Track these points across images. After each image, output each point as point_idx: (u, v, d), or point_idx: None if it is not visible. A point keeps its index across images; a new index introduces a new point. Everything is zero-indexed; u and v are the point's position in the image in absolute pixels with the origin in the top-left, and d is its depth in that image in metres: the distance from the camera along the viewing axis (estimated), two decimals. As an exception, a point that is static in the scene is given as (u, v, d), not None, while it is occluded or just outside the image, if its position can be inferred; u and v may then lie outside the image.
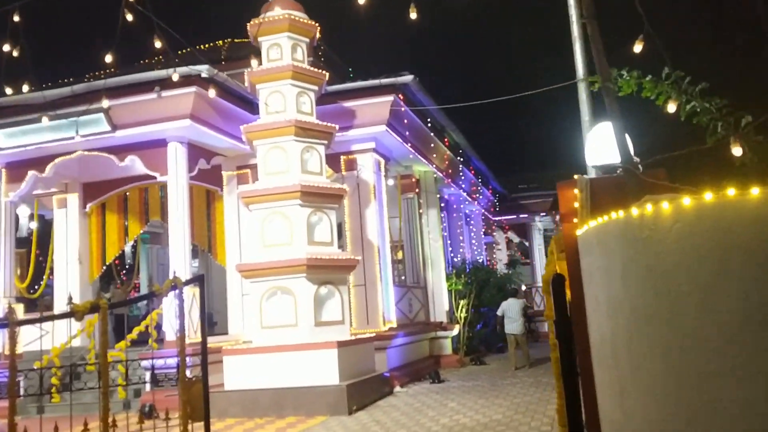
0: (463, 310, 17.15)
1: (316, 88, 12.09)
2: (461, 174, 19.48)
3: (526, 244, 29.32)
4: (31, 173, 13.37)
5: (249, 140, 11.68)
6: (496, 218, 26.28)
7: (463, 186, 20.30)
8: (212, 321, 21.09)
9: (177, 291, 5.84)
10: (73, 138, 12.48)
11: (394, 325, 13.80)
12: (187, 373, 6.17)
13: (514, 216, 26.88)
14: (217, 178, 14.55)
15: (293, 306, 10.79)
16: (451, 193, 20.03)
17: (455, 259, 18.97)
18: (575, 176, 2.50)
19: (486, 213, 24.97)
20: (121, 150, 12.87)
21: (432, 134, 15.93)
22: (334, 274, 11.24)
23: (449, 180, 18.50)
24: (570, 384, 2.64)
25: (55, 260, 15.22)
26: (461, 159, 18.87)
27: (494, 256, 26.41)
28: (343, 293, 11.35)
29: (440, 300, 16.96)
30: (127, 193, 15.26)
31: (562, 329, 2.45)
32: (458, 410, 10.08)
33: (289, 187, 11.00)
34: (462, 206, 21.27)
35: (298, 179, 11.15)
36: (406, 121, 14.13)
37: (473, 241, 22.67)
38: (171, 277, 6.11)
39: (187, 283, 6.32)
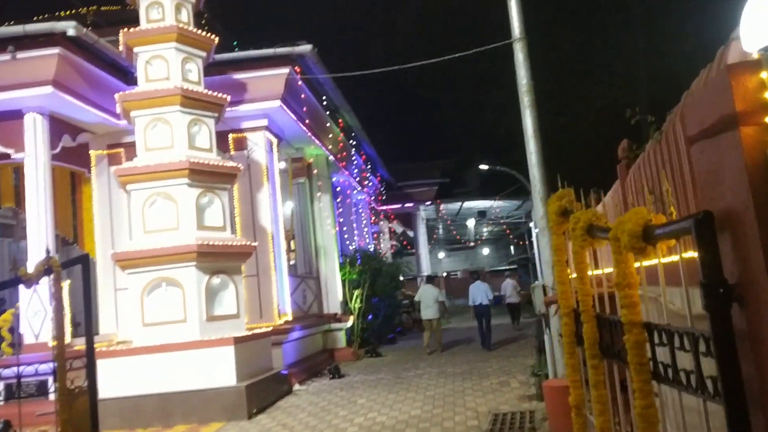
0: (358, 300, 16.33)
1: (204, 54, 10.76)
2: (353, 159, 18.62)
3: (410, 233, 28.99)
4: None
5: (126, 111, 10.18)
6: (382, 207, 25.69)
7: (354, 172, 19.46)
8: (74, 321, 19.14)
9: (52, 277, 4.52)
10: None
11: (290, 318, 12.73)
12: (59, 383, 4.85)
13: (399, 205, 26.41)
14: (84, 158, 12.77)
15: (181, 299, 9.47)
16: (343, 179, 19.13)
17: (349, 249, 18.08)
18: (757, 53, 1.69)
19: (372, 201, 24.30)
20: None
21: (327, 114, 14.93)
22: (228, 263, 10.02)
23: (342, 165, 17.58)
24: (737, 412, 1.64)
25: None
26: (353, 143, 18.00)
27: (380, 246, 25.82)
28: (238, 284, 10.15)
29: (334, 290, 16.02)
30: (-27, 176, 13.12)
31: (719, 322, 1.57)
32: (370, 407, 9.20)
33: (176, 164, 9.64)
34: (353, 193, 20.43)
35: (186, 155, 9.82)
36: (303, 96, 13.06)
37: (359, 230, 21.90)
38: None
39: (67, 265, 4.99)
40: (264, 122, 12.58)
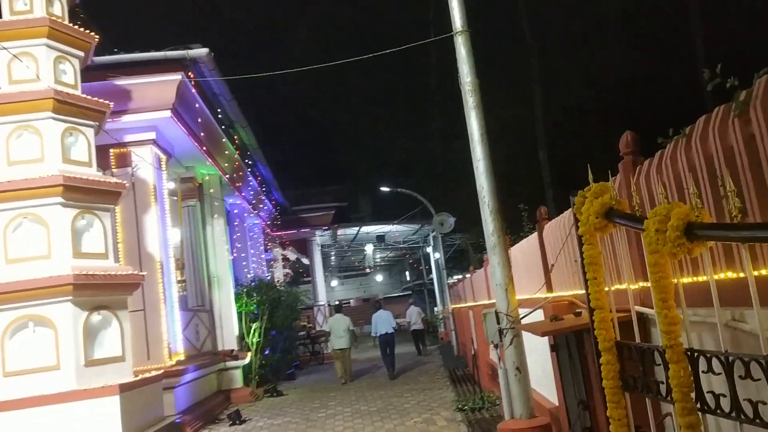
0: (256, 334, 14.94)
1: (81, 54, 9.27)
2: (248, 180, 17.26)
3: (305, 261, 27.72)
4: None
5: (-17, 116, 8.50)
6: (277, 233, 24.31)
7: (249, 195, 18.08)
8: None
9: None
10: None
11: (182, 357, 11.21)
12: None
13: (295, 231, 25.13)
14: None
15: (53, 341, 7.86)
16: (236, 203, 17.70)
17: (244, 278, 16.64)
18: None
19: (267, 227, 22.91)
20: None
21: (220, 129, 13.60)
22: (111, 296, 8.50)
23: (236, 186, 16.20)
24: None
25: None
26: (249, 162, 16.67)
27: (274, 273, 24.40)
28: (123, 320, 8.63)
29: (229, 324, 14.55)
30: None
31: None
32: (285, 460, 7.98)
33: (46, 180, 8.07)
34: (247, 218, 19.01)
35: (59, 169, 8.28)
36: (196, 106, 11.73)
37: (256, 258, 20.46)
38: None
39: None
40: (151, 135, 11.13)
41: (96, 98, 9.01)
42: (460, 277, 26.86)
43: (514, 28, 24.90)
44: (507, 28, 24.80)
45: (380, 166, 32.18)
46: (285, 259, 26.20)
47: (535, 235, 6.83)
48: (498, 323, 5.97)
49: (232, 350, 14.26)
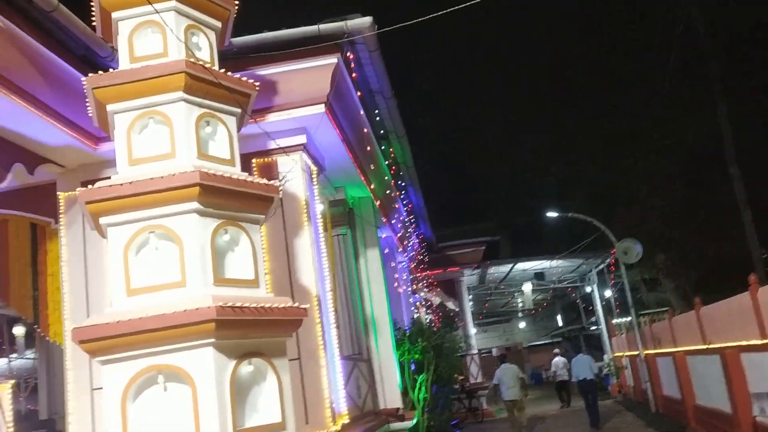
0: (422, 388, 12.27)
1: (218, 25, 7.20)
2: (398, 208, 14.87)
3: (450, 305, 24.93)
4: None
5: (100, 105, 6.51)
6: (422, 273, 21.75)
7: (397, 226, 15.68)
8: (54, 430, 15.26)
9: None
10: None
11: (347, 420, 8.70)
12: None
13: (441, 270, 22.48)
14: (50, 202, 9.03)
15: (191, 404, 5.51)
16: (381, 236, 15.33)
17: (400, 321, 14.10)
18: None
19: (412, 265, 20.41)
20: None
21: (375, 138, 11.29)
22: (264, 338, 6.12)
23: (384, 214, 13.84)
24: None
25: None
26: (402, 185, 14.28)
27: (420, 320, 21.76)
28: (282, 372, 6.19)
29: (391, 376, 11.96)
30: None
31: None
32: None
33: (177, 179, 5.88)
34: (393, 254, 16.58)
35: (193, 165, 6.09)
36: (353, 101, 9.46)
37: (404, 301, 17.91)
38: None
39: None
40: (301, 140, 8.92)
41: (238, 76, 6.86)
42: (627, 319, 23.13)
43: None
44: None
45: (523, 196, 29.18)
46: (432, 302, 23.57)
47: None
48: None
49: (398, 409, 11.63)
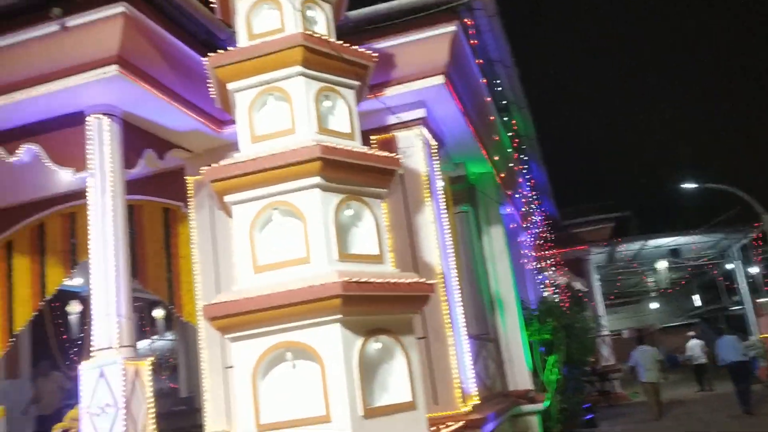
0: (553, 370, 11.76)
1: (333, -2, 7.06)
2: (520, 184, 14.32)
3: (576, 285, 23.94)
4: None
5: (221, 84, 6.55)
6: (547, 252, 20.98)
7: (519, 202, 15.12)
8: (193, 407, 15.90)
9: None
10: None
11: (477, 401, 8.40)
12: None
13: (567, 249, 21.60)
14: (179, 187, 9.31)
15: (320, 381, 5.42)
16: (504, 213, 14.80)
17: (526, 300, 13.60)
18: None
19: (535, 244, 19.70)
20: (8, 134, 7.74)
21: (495, 109, 10.84)
22: (391, 315, 5.94)
23: (505, 191, 13.33)
24: None
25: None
26: (524, 159, 13.73)
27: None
28: (410, 350, 5.99)
29: (519, 357, 11.51)
30: (44, 223, 10.01)
31: None
32: None
33: (298, 153, 5.78)
34: (515, 232, 16.01)
35: (314, 139, 5.97)
36: (472, 71, 9.09)
37: (530, 282, 17.31)
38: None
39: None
40: (420, 113, 8.66)
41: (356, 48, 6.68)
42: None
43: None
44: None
45: (653, 169, 27.54)
46: (555, 284, 22.74)
47: None
48: None
49: (528, 391, 11.19)
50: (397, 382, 5.85)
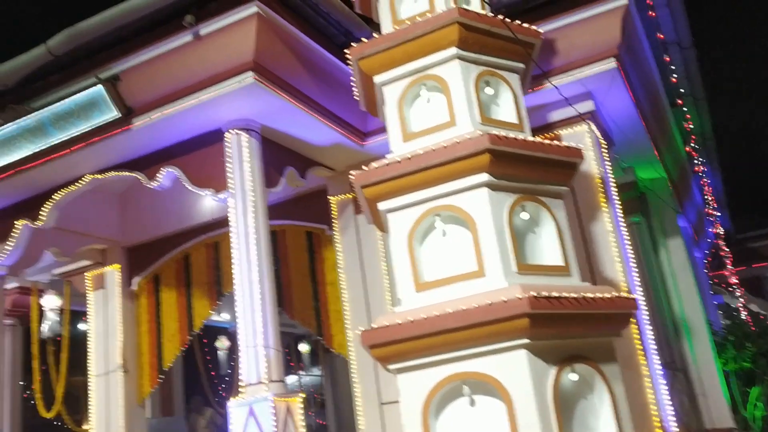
0: (758, 404, 9.92)
1: (486, -27, 6.14)
2: (693, 191, 12.59)
3: (754, 308, 21.17)
4: (23, 224, 8.10)
5: (366, 76, 5.77)
6: (719, 271, 18.68)
7: (692, 213, 13.33)
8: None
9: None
10: (69, 147, 7.19)
11: (680, 443, 6.96)
12: None
13: (743, 267, 19.14)
14: (322, 208, 8.66)
15: (506, 422, 4.37)
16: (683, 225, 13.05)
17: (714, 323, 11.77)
18: None
19: (708, 260, 17.55)
20: (147, 160, 7.40)
21: (668, 103, 9.41)
22: (588, 338, 4.79)
23: (678, 199, 11.69)
24: None
25: (90, 369, 9.73)
26: (700, 162, 12.02)
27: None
28: (614, 384, 4.79)
29: (715, 390, 9.80)
30: (189, 255, 9.71)
31: None
32: None
33: (463, 147, 4.84)
34: (691, 245, 14.15)
35: (479, 130, 5.01)
36: (643, 55, 7.82)
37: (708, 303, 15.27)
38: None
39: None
40: (589, 106, 7.48)
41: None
42: None
43: None
44: None
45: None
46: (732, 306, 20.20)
47: None
48: None
49: (730, 429, 9.45)
50: (600, 422, 4.67)
